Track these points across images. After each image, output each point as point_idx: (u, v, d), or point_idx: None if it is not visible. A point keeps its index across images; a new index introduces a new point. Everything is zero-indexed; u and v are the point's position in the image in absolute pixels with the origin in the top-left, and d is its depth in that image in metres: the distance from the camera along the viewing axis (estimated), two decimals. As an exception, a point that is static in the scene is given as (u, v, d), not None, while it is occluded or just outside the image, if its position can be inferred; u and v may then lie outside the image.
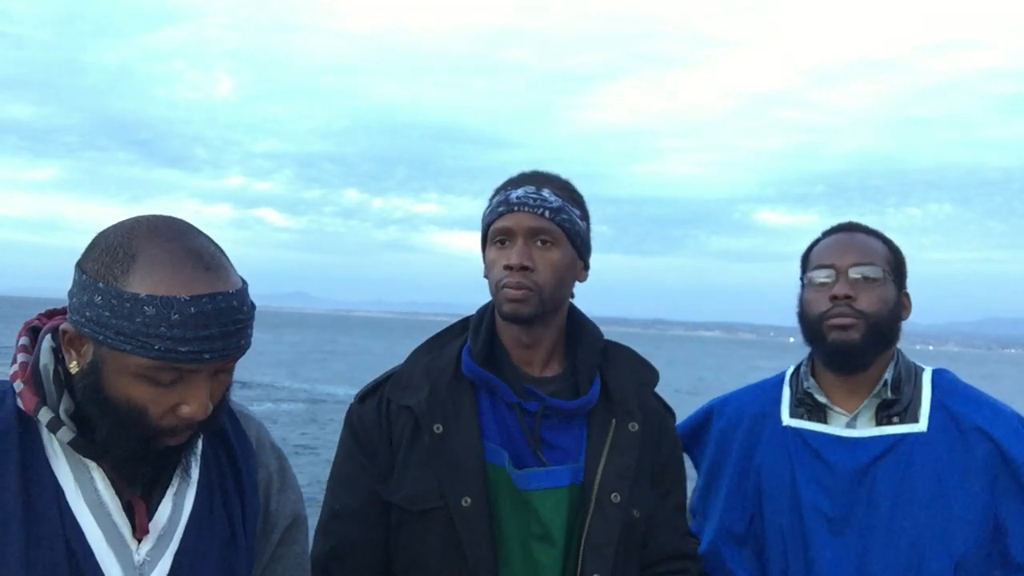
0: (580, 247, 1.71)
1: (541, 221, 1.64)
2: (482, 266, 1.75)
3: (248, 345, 1.24)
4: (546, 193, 1.66)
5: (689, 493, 1.95)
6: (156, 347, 1.13)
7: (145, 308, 1.13)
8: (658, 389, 1.83)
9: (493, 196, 1.72)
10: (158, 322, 1.13)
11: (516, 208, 1.64)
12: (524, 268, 1.62)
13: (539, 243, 1.65)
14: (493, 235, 1.68)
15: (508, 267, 1.63)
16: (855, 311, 1.83)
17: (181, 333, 1.14)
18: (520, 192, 1.66)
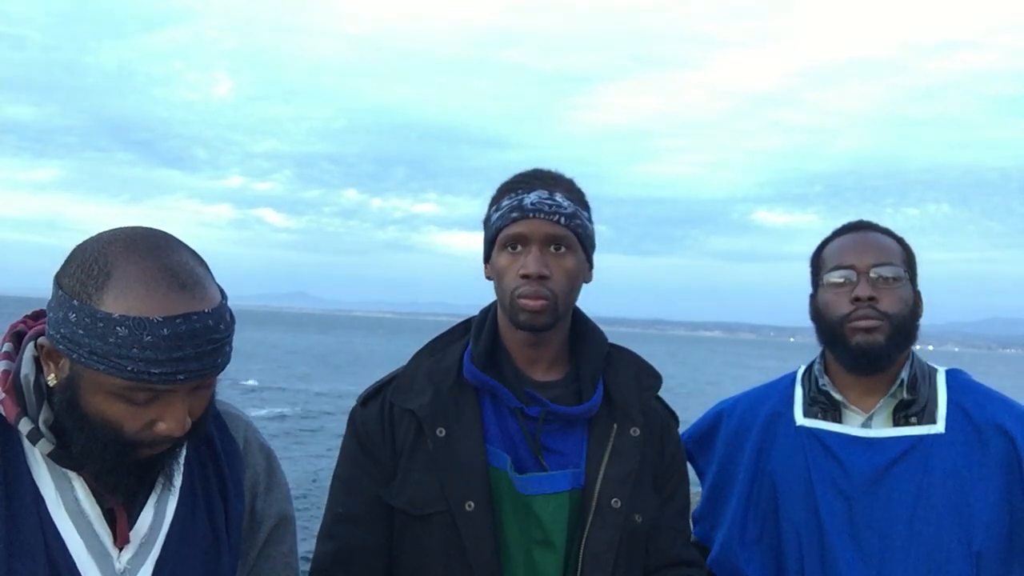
0: (589, 249, 1.68)
1: (556, 228, 1.61)
2: (482, 267, 1.72)
3: (226, 362, 1.22)
4: (559, 198, 1.62)
5: (691, 499, 1.90)
6: (128, 368, 1.11)
7: (118, 329, 1.11)
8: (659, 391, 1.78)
9: (500, 197, 1.67)
10: (130, 343, 1.11)
11: (532, 214, 1.60)
12: (542, 277, 1.60)
13: (554, 250, 1.62)
14: (505, 241, 1.64)
15: (525, 276, 1.60)
16: (879, 313, 1.78)
17: (154, 355, 1.11)
18: (534, 197, 1.62)
